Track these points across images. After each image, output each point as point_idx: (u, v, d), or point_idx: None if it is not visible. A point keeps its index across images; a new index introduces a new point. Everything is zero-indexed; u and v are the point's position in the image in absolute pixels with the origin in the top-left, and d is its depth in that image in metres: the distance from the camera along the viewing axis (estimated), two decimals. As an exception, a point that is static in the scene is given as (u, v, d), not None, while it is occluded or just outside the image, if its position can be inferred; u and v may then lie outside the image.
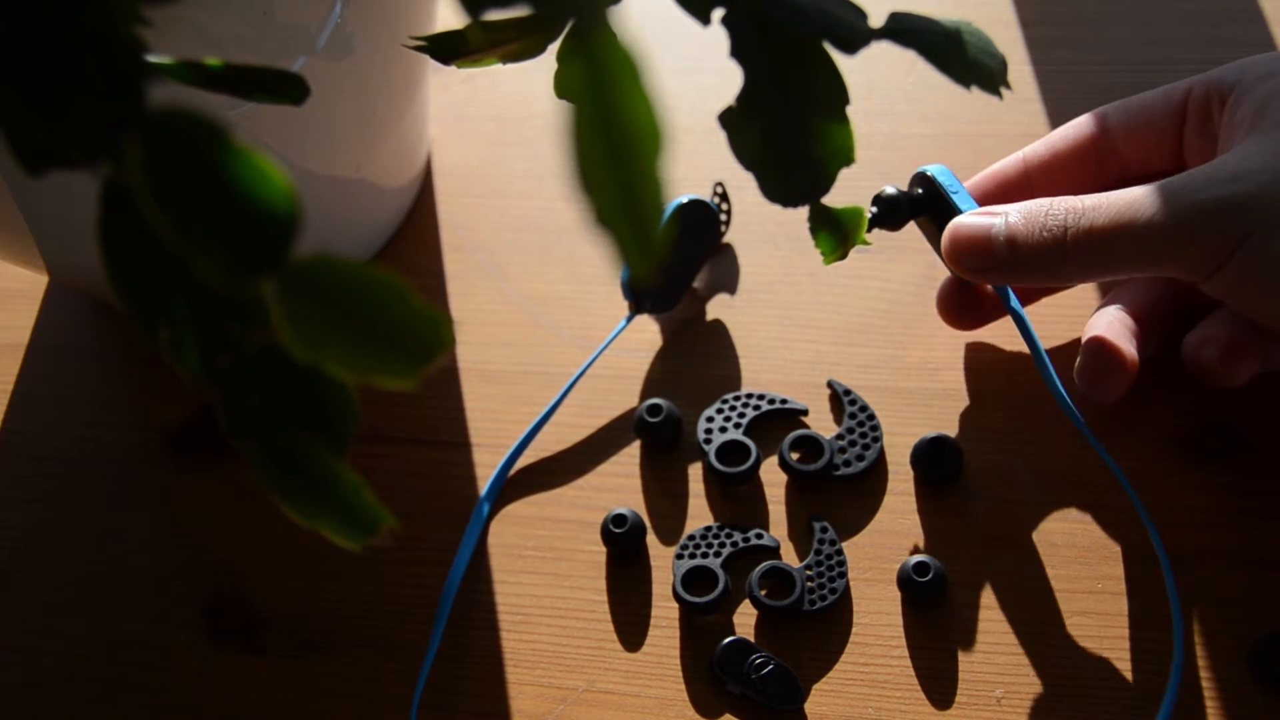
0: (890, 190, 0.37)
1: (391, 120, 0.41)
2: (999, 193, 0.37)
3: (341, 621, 0.37)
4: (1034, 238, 0.33)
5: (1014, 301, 0.36)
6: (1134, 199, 0.32)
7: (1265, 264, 0.30)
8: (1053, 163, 0.37)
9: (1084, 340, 0.36)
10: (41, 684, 0.37)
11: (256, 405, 0.19)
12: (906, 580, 0.34)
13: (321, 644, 0.37)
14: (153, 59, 0.18)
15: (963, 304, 0.38)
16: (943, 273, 0.42)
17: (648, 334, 0.42)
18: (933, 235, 0.37)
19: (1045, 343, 0.37)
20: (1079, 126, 0.37)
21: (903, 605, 0.35)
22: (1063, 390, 0.35)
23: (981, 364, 0.39)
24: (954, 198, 0.36)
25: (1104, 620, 0.34)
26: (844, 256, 0.29)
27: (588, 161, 0.16)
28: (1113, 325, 0.36)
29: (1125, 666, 0.33)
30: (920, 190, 0.37)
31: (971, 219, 0.34)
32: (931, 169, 0.37)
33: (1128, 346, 0.35)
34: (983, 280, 0.35)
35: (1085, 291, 0.40)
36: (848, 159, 0.24)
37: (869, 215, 0.37)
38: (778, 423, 0.39)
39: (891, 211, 0.37)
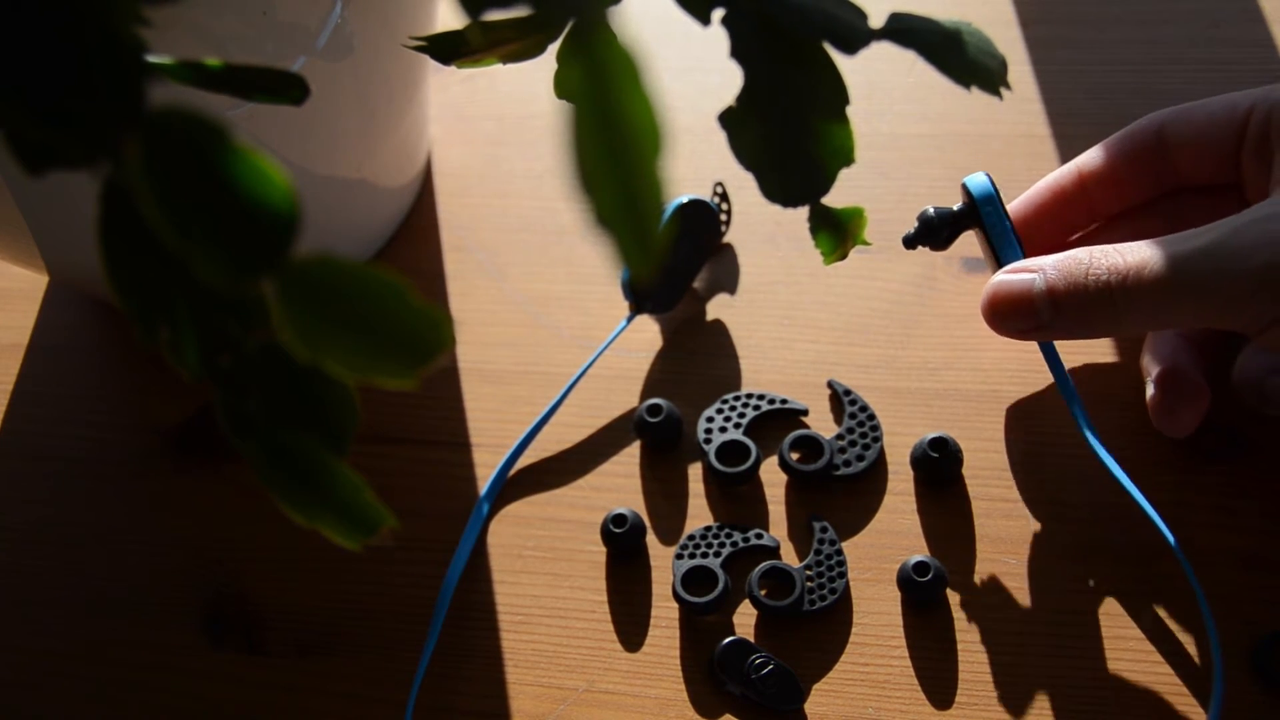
0: (930, 211, 0.36)
1: (391, 120, 0.41)
2: (1055, 206, 0.36)
3: (341, 621, 0.37)
4: (1078, 298, 0.32)
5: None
6: (1182, 259, 0.30)
7: None
8: (1109, 175, 0.36)
9: (1154, 373, 0.35)
10: (41, 684, 0.37)
11: (257, 405, 0.19)
12: (906, 580, 0.34)
13: (321, 644, 0.37)
14: (153, 59, 0.18)
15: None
16: (944, 273, 0.42)
17: (648, 334, 0.42)
18: (985, 246, 0.36)
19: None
20: (1136, 137, 0.35)
21: (903, 605, 0.35)
22: (1090, 428, 0.34)
23: (982, 364, 0.39)
24: (987, 217, 0.35)
25: (1104, 620, 0.34)
26: (844, 256, 0.29)
27: (587, 162, 0.16)
28: (1178, 353, 0.35)
29: (1125, 667, 0.33)
30: (962, 205, 0.36)
31: (1008, 277, 0.33)
32: (971, 181, 0.36)
33: (1198, 376, 0.34)
34: (1025, 339, 0.34)
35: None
36: (848, 159, 0.23)
37: (911, 233, 0.36)
38: (778, 423, 0.39)
39: (930, 233, 0.36)
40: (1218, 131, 0.34)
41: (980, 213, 0.35)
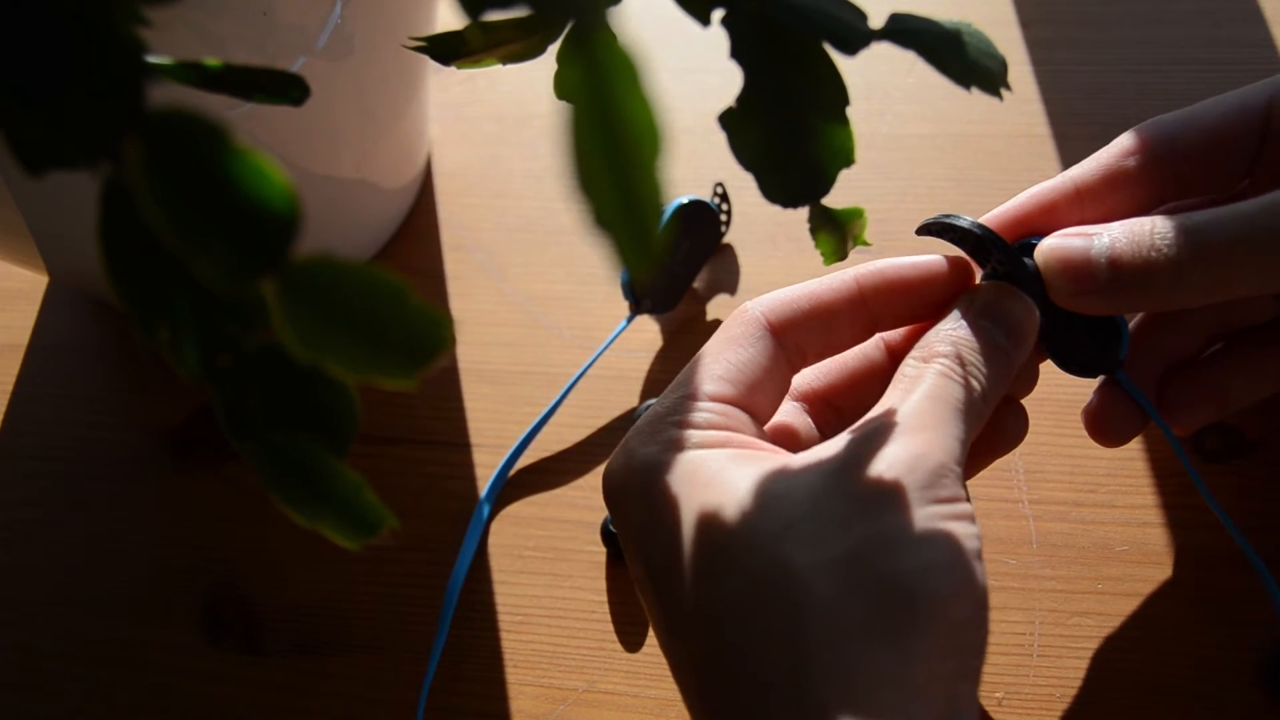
0: (964, 221, 0.31)
1: (391, 120, 0.41)
2: (1043, 219, 0.33)
3: (341, 621, 0.37)
4: (1142, 258, 0.29)
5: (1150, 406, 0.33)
6: (1255, 214, 0.28)
7: None
8: (1105, 188, 0.33)
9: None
10: (41, 684, 0.37)
11: (257, 405, 0.19)
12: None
13: (321, 644, 0.37)
14: (153, 59, 0.18)
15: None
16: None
17: (648, 334, 0.42)
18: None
19: None
20: (1139, 146, 0.33)
21: (903, 605, 0.35)
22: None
23: (981, 364, 0.39)
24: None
25: (1104, 620, 0.34)
26: (844, 257, 0.29)
27: (586, 162, 0.16)
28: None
29: (1125, 667, 0.33)
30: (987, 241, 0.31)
31: (1063, 239, 0.31)
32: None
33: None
34: (1078, 307, 0.31)
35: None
36: (848, 160, 0.23)
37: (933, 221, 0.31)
38: (778, 423, 0.39)
39: (965, 244, 0.31)
40: (1233, 132, 0.32)
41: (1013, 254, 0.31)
